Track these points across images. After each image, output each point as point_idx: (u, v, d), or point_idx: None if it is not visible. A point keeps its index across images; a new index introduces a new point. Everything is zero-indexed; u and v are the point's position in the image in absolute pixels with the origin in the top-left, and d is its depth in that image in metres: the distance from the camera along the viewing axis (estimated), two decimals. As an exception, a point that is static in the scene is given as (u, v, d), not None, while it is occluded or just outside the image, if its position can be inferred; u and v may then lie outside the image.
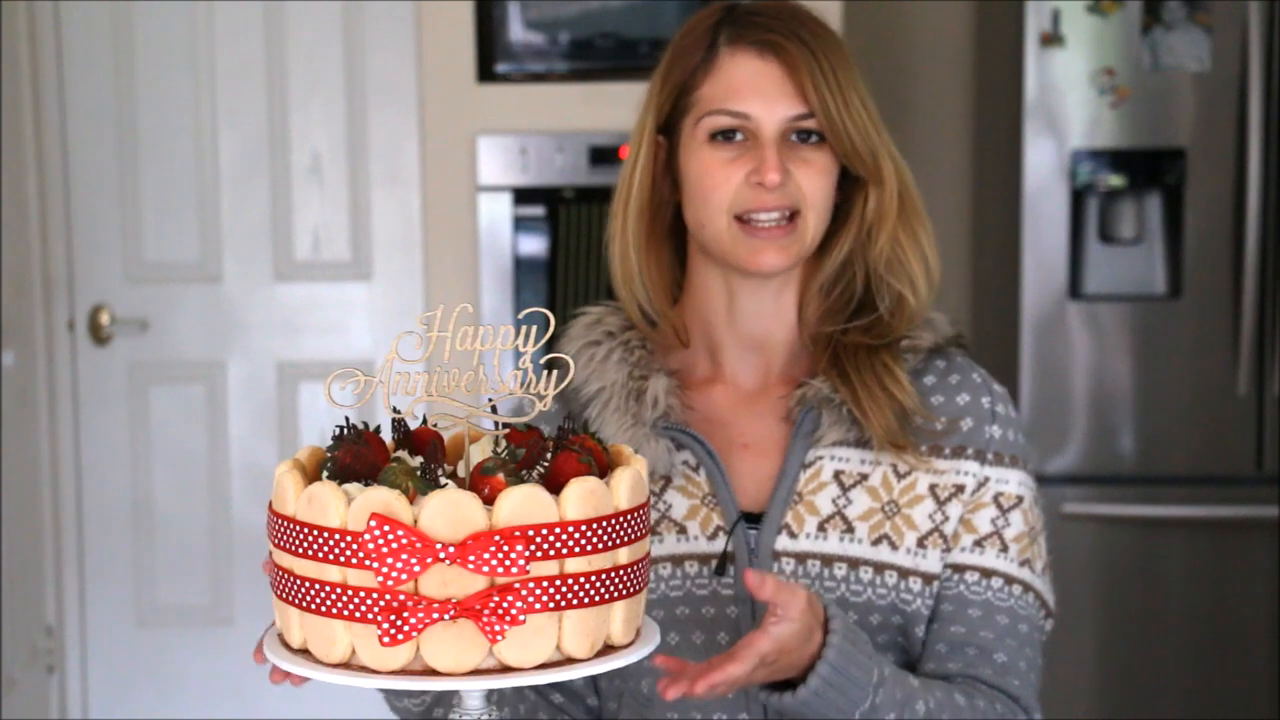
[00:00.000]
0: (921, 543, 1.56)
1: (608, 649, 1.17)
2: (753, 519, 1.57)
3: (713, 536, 1.56)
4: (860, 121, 1.54)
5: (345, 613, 1.11)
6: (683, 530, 1.57)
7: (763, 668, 1.36)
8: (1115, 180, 3.27)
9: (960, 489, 1.58)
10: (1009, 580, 1.58)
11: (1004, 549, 1.58)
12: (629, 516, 1.15)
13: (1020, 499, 1.60)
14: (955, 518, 1.58)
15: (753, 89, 1.54)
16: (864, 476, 1.57)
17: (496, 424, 1.19)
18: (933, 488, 1.57)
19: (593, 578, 1.12)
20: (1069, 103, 3.25)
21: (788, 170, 1.53)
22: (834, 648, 1.40)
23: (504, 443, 1.17)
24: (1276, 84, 3.21)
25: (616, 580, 1.14)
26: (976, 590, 1.57)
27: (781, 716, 1.50)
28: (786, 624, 1.35)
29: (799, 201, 1.54)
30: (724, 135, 1.55)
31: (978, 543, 1.58)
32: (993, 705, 1.54)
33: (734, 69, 1.55)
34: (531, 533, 1.09)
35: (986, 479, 1.59)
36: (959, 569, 1.57)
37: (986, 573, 1.57)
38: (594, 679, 1.63)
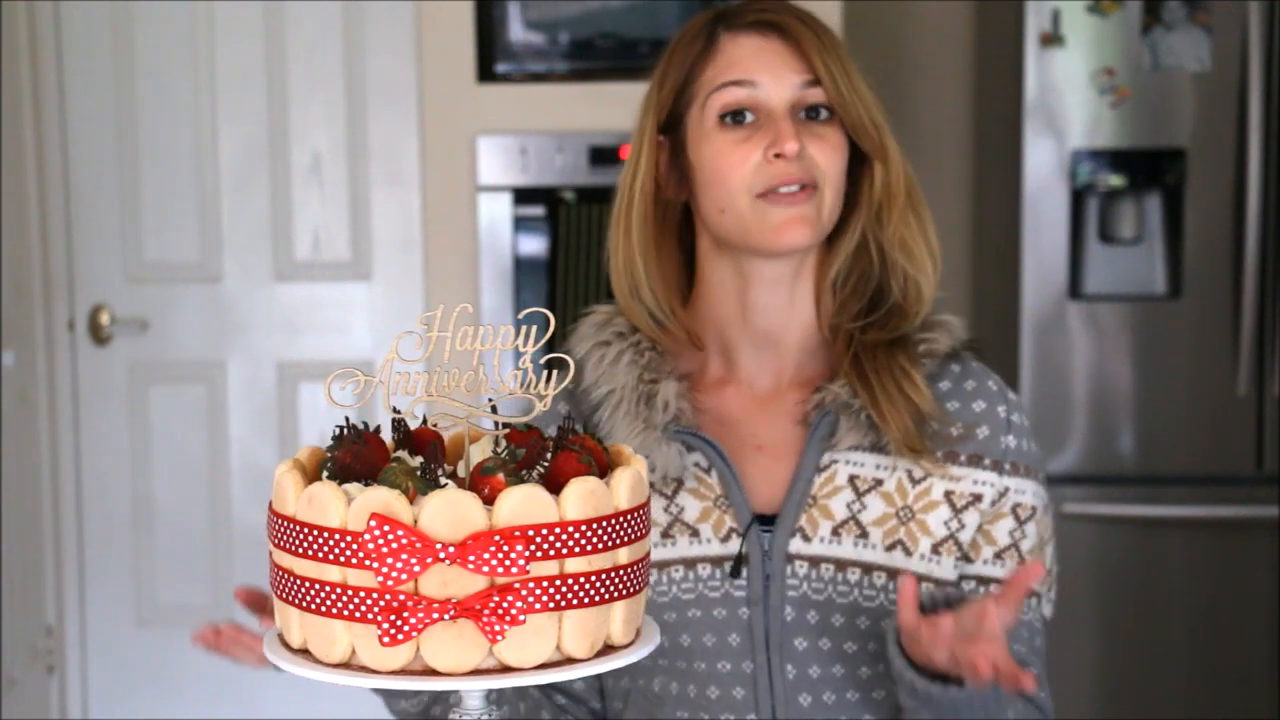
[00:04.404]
0: (936, 549, 1.56)
1: (608, 649, 1.17)
2: (766, 521, 1.57)
3: (725, 539, 1.56)
4: (865, 97, 1.56)
5: (345, 613, 1.11)
6: (695, 533, 1.57)
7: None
8: (1115, 180, 3.27)
9: (978, 498, 1.58)
10: (1028, 594, 1.58)
11: (1021, 561, 1.58)
12: (629, 516, 1.15)
13: (1034, 510, 1.60)
14: (972, 526, 1.57)
15: (758, 62, 1.54)
16: (879, 482, 1.57)
17: (496, 424, 1.19)
18: (948, 494, 1.57)
19: (593, 578, 1.12)
20: (1069, 103, 3.25)
21: (803, 143, 1.53)
22: None
23: (504, 443, 1.17)
24: (1276, 84, 3.21)
25: (616, 580, 1.14)
26: None
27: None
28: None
29: (816, 175, 1.54)
30: (734, 117, 1.54)
31: (998, 555, 1.58)
32: (1030, 712, 1.56)
33: (736, 48, 1.56)
34: (531, 533, 1.09)
35: (1006, 489, 1.59)
36: (983, 581, 1.58)
37: None
38: (599, 679, 1.63)
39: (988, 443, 1.59)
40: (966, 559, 1.58)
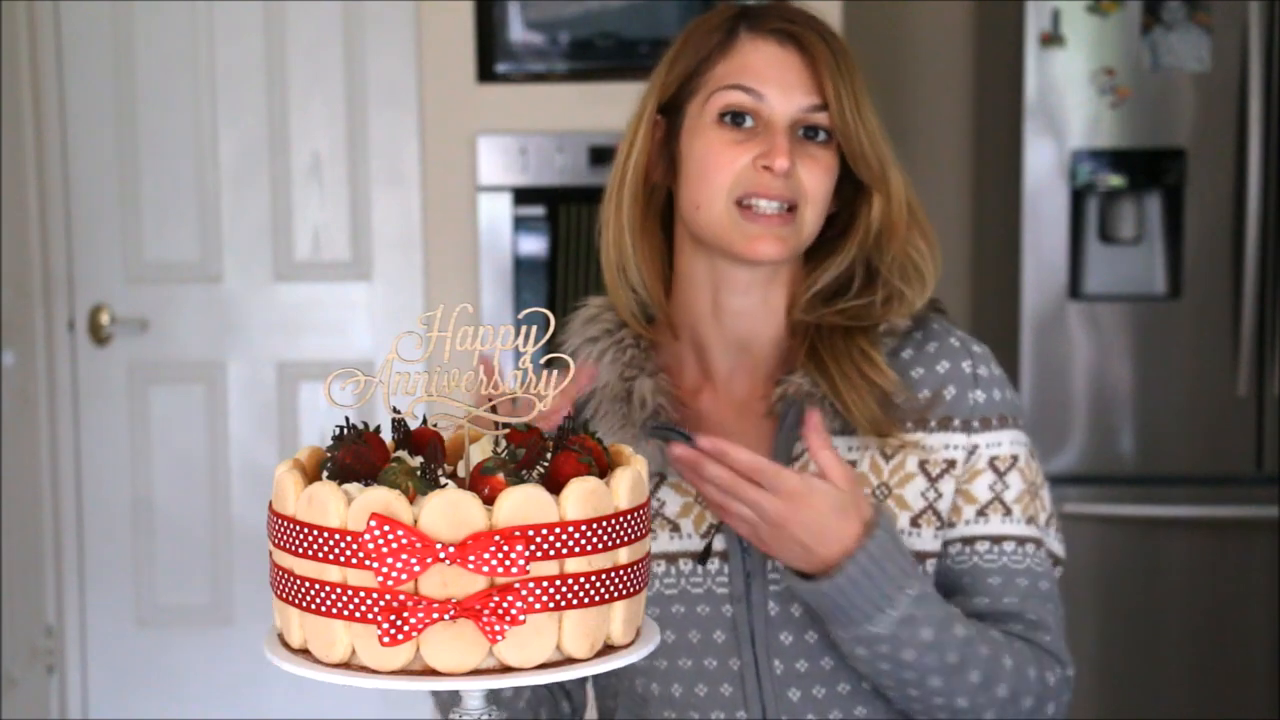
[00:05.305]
0: (915, 522, 1.56)
1: (608, 649, 1.17)
2: None
3: (706, 534, 1.57)
4: (871, 127, 1.55)
5: (345, 613, 1.11)
6: (676, 528, 1.57)
7: (788, 504, 1.40)
8: (1115, 180, 3.27)
9: (951, 464, 1.57)
10: (1020, 541, 1.57)
11: (1007, 512, 1.57)
12: (629, 516, 1.15)
13: (1015, 458, 1.59)
14: (949, 493, 1.57)
15: (771, 74, 1.54)
16: (852, 464, 1.57)
17: (496, 424, 1.19)
18: (922, 464, 1.57)
19: (593, 578, 1.12)
20: (1069, 103, 3.25)
21: (793, 161, 1.52)
22: (876, 539, 1.41)
23: (504, 443, 1.17)
24: (1276, 84, 3.21)
25: (616, 580, 1.14)
26: (991, 559, 1.56)
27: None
28: (825, 482, 1.40)
29: (799, 196, 1.54)
30: (734, 118, 1.54)
31: (980, 512, 1.57)
32: (1028, 649, 1.53)
33: (753, 52, 1.55)
34: (531, 533, 1.09)
35: (975, 447, 1.58)
36: (968, 541, 1.57)
37: (996, 539, 1.57)
38: (591, 678, 1.63)
39: (956, 402, 1.59)
40: (949, 525, 1.57)
